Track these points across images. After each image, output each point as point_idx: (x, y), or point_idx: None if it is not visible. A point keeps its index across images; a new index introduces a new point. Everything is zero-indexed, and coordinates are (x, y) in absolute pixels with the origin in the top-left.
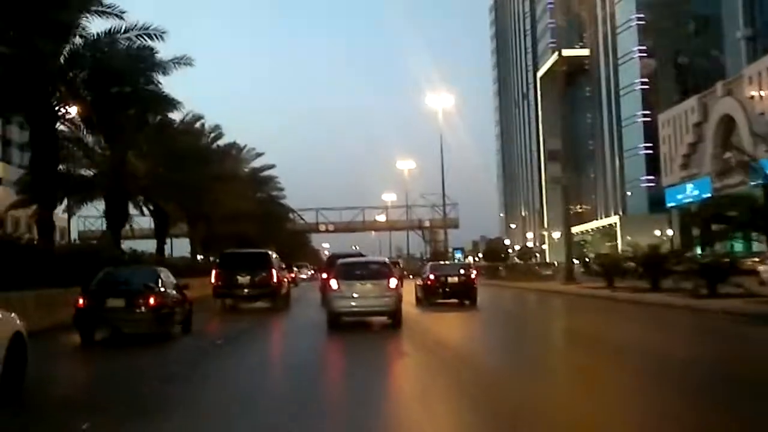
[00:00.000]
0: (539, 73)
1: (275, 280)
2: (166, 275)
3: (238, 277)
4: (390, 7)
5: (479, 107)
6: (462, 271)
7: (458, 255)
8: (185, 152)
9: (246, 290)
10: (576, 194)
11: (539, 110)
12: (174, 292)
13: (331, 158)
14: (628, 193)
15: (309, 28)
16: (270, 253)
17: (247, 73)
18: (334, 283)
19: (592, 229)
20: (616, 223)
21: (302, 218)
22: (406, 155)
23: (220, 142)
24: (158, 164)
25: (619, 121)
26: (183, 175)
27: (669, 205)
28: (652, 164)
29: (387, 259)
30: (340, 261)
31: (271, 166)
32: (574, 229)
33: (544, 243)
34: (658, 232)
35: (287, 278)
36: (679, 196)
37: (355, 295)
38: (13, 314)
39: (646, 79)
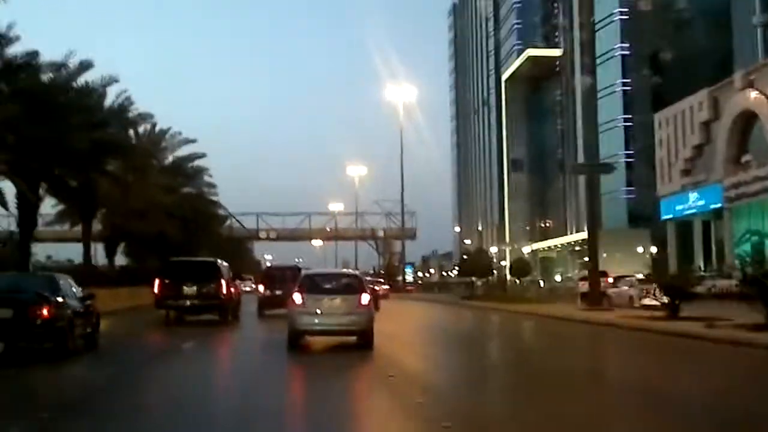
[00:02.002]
0: (504, 76)
1: (224, 291)
2: (66, 282)
3: (184, 287)
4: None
5: (433, 116)
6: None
7: (408, 270)
8: (58, 101)
9: (192, 301)
10: (541, 208)
11: (503, 116)
12: (76, 302)
13: (274, 161)
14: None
15: (250, 10)
16: (219, 262)
17: (182, 56)
18: (297, 297)
19: (560, 245)
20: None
21: (241, 223)
22: (357, 160)
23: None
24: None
25: (596, 127)
26: (54, 132)
27: (665, 217)
28: (632, 173)
29: (357, 272)
30: (306, 272)
31: (201, 155)
32: (539, 245)
33: (503, 259)
34: (640, 249)
35: (236, 290)
36: (679, 207)
37: (321, 312)
38: None
39: (629, 80)
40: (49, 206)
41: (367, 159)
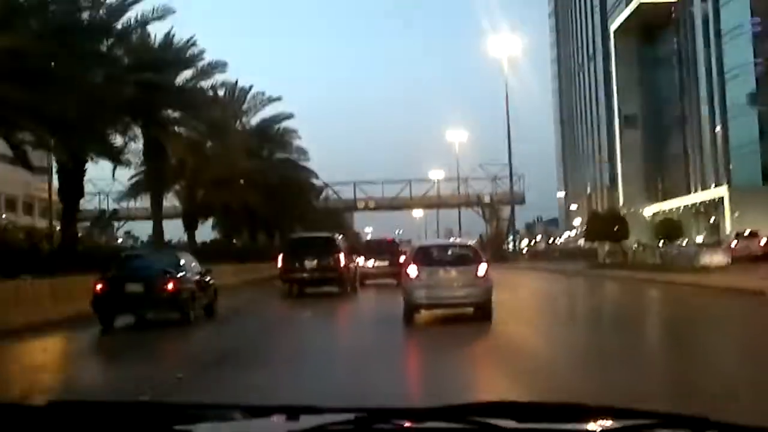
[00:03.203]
0: (612, 27)
1: (342, 264)
2: (187, 259)
3: (306, 261)
4: None
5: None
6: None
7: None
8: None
9: (313, 274)
10: (658, 167)
11: (612, 70)
12: (196, 277)
13: (369, 128)
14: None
15: None
16: (337, 236)
17: (275, 24)
18: (413, 270)
19: (682, 206)
20: (722, 198)
21: (337, 193)
22: (456, 125)
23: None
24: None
25: (722, 74)
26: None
27: None
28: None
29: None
30: (420, 245)
31: (289, 116)
32: (658, 207)
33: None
34: None
35: (354, 264)
36: None
37: (438, 285)
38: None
39: (758, 18)
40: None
41: (468, 124)
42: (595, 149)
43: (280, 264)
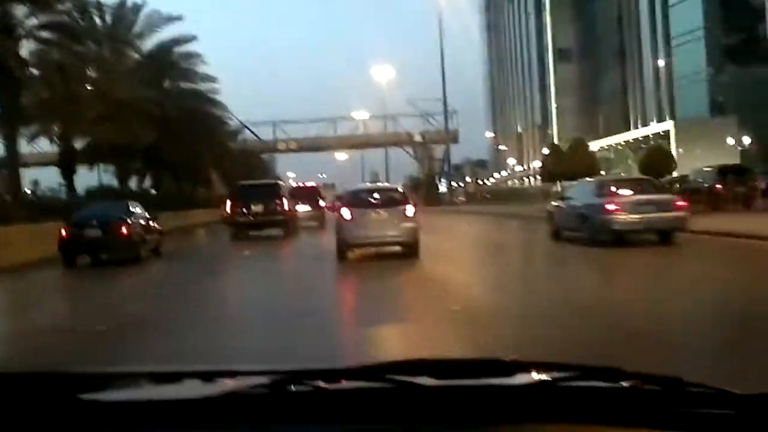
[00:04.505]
0: None
1: (286, 208)
2: (135, 207)
3: (252, 206)
4: None
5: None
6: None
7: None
8: None
9: (258, 218)
10: (594, 102)
11: (546, 2)
12: (143, 222)
13: (293, 72)
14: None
15: None
16: (280, 183)
17: None
18: (345, 213)
19: (621, 143)
20: (668, 131)
21: (254, 133)
22: (381, 63)
23: None
24: None
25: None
26: None
27: None
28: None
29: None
30: (352, 189)
31: (191, 39)
32: (596, 144)
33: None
34: (731, 140)
35: (294, 208)
36: None
37: (368, 225)
38: None
39: None
40: None
41: (393, 62)
42: (526, 86)
43: (228, 208)
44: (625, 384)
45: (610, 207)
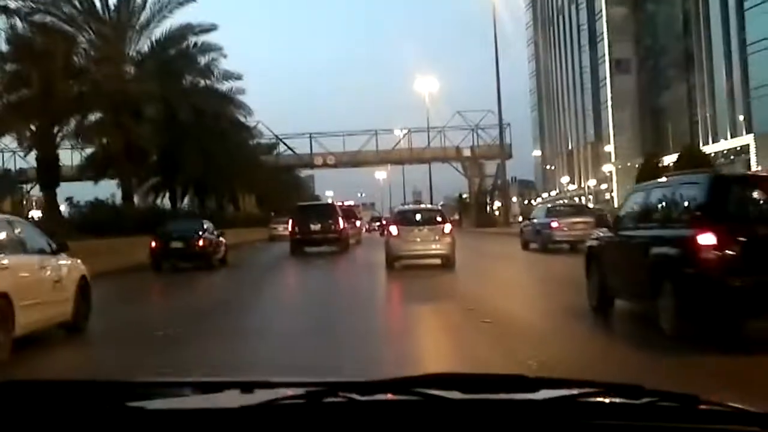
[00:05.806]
0: None
1: (341, 227)
2: (207, 223)
3: (311, 225)
4: None
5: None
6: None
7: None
8: None
9: (317, 236)
10: (657, 115)
11: (603, 7)
12: (213, 236)
13: (332, 89)
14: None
15: None
16: (336, 204)
17: None
18: (393, 229)
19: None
20: (747, 146)
21: (288, 146)
22: (425, 74)
23: None
24: None
25: (741, 3)
26: None
27: None
28: None
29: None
30: (398, 209)
31: (210, 28)
32: (668, 161)
33: (603, 183)
34: None
35: (349, 227)
36: None
37: (412, 240)
38: (78, 261)
39: None
40: None
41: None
42: (578, 100)
43: (290, 227)
44: (644, 400)
45: (554, 225)
